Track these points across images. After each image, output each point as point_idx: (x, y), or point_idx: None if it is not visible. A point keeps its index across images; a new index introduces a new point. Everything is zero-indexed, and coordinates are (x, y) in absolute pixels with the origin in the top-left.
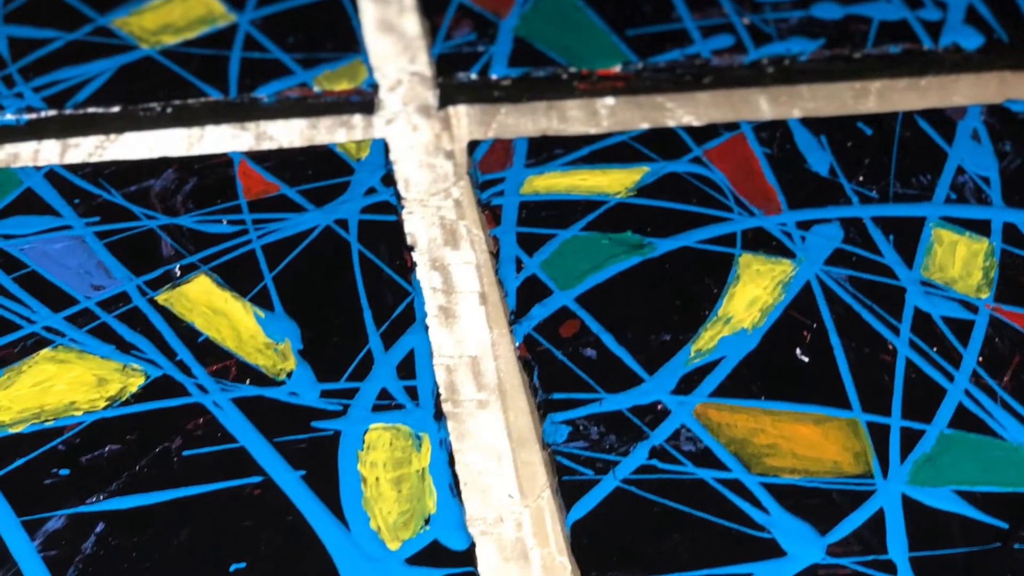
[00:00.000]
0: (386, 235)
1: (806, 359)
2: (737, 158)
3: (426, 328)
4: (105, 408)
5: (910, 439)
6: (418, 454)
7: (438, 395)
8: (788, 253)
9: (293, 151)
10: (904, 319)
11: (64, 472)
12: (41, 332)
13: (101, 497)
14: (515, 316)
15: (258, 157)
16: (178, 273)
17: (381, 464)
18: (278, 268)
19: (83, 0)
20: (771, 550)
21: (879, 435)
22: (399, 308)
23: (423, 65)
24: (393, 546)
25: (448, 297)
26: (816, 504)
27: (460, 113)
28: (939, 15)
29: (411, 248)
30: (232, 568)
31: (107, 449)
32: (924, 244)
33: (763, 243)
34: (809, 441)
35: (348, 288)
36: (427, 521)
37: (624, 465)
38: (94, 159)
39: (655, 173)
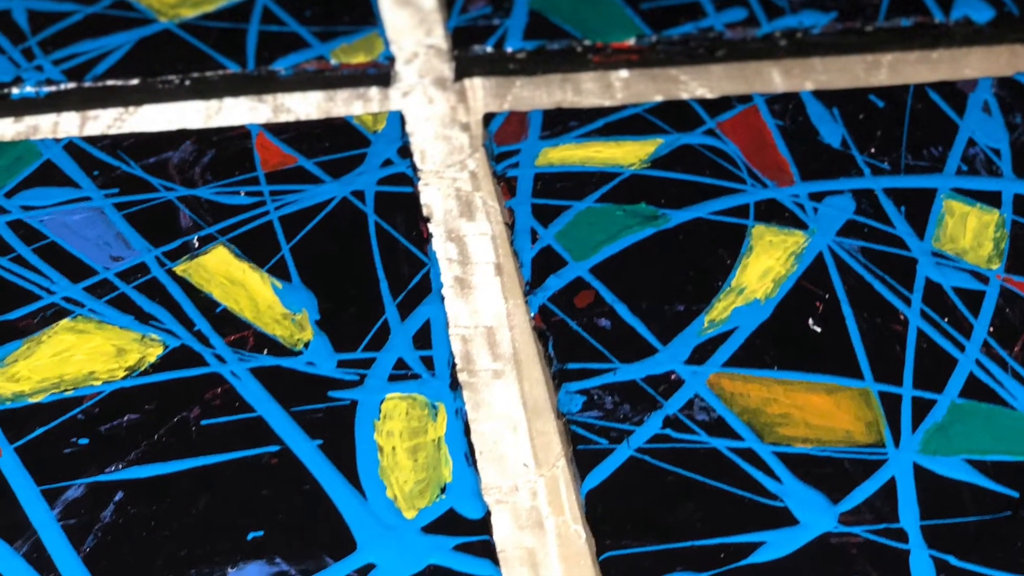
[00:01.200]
0: (402, 206)
1: (818, 329)
2: (750, 130)
3: (442, 299)
4: (124, 378)
5: (921, 409)
6: (434, 423)
7: (454, 365)
8: (800, 224)
9: (310, 123)
10: (915, 290)
11: (83, 441)
12: (61, 303)
13: (120, 466)
14: (530, 287)
15: (276, 129)
16: (196, 244)
17: (397, 433)
18: (295, 239)
19: None
20: (784, 519)
21: (891, 405)
22: (415, 279)
23: (439, 38)
24: (409, 515)
25: (464, 268)
26: (828, 473)
27: (476, 86)
28: None
29: (427, 219)
30: (250, 536)
31: (126, 418)
32: (935, 215)
33: (776, 214)
34: (821, 411)
35: (365, 259)
36: (443, 490)
37: (638, 434)
38: (113, 131)
39: (669, 145)
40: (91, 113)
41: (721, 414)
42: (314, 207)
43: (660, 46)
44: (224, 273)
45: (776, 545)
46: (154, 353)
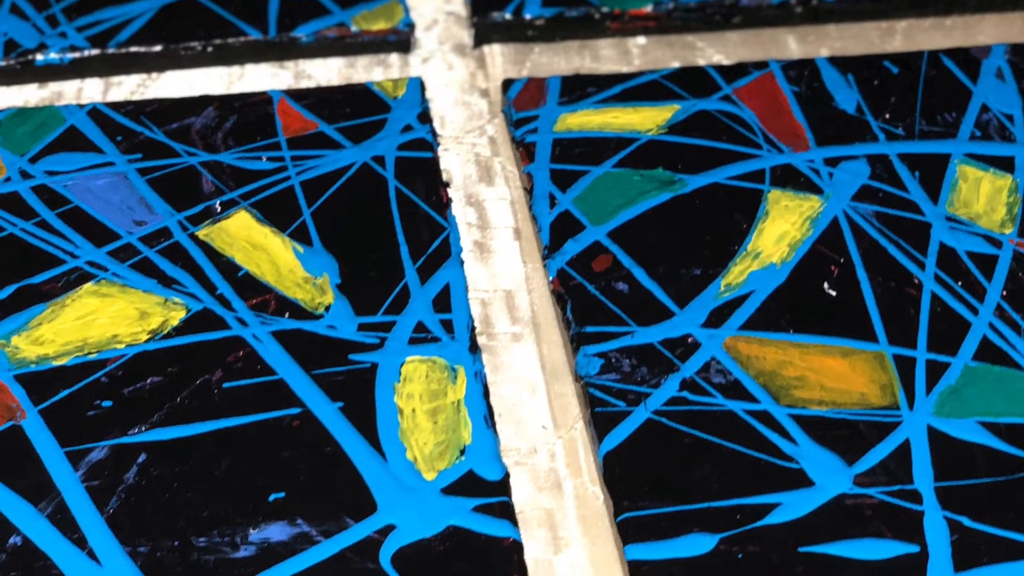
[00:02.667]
0: (422, 171)
1: (833, 293)
2: (766, 96)
3: (461, 263)
4: (147, 341)
5: (935, 371)
6: (453, 386)
7: (473, 328)
8: (816, 189)
9: (331, 89)
10: (929, 254)
11: (107, 404)
12: (84, 267)
13: (143, 428)
14: (548, 251)
15: (297, 95)
16: (218, 209)
17: (417, 396)
18: (316, 204)
19: None
20: (799, 480)
21: (905, 367)
22: (435, 243)
23: (458, 5)
24: (429, 476)
25: (483, 232)
26: (843, 435)
27: (495, 52)
28: None
29: (447, 184)
30: (271, 498)
31: (149, 381)
32: (949, 180)
33: (792, 179)
34: (837, 373)
35: (385, 223)
36: (462, 452)
37: (655, 397)
38: (136, 97)
39: (686, 111)
40: (114, 79)
41: (737, 377)
42: (335, 172)
43: (677, 13)
44: (246, 237)
45: (792, 506)
46: (177, 316)
